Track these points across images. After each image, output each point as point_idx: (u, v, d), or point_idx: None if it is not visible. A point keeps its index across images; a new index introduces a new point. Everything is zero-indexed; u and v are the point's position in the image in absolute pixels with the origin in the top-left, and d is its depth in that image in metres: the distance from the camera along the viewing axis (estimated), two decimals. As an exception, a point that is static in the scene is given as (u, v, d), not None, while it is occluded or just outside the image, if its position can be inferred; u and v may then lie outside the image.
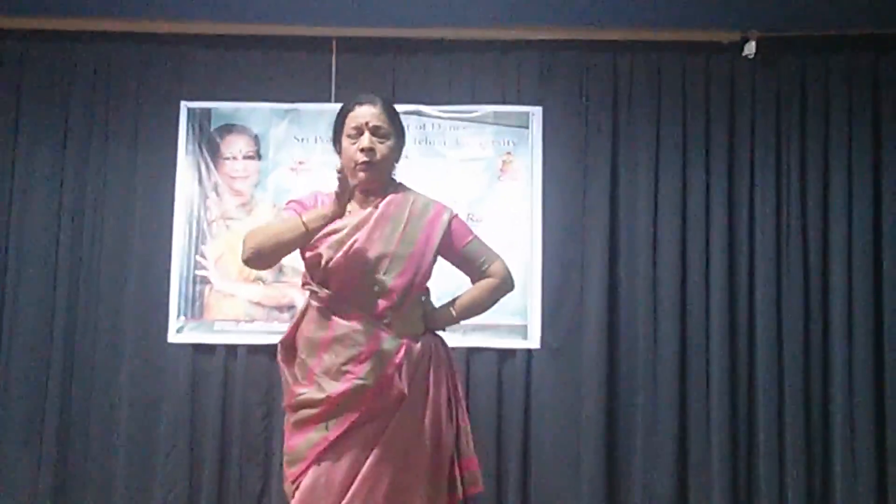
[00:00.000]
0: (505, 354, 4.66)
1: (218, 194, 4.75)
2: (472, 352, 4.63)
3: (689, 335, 4.63)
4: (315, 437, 2.64)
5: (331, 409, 2.63)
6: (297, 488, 2.67)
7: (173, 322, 4.66)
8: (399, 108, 4.57)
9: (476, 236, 2.95)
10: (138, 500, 4.57)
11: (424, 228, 2.80)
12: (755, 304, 4.63)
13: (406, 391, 2.67)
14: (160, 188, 4.73)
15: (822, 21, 4.62)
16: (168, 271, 4.67)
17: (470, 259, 2.92)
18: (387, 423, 2.66)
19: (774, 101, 4.74)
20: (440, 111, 4.78)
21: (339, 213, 2.63)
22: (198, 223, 4.73)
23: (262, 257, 2.70)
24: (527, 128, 4.76)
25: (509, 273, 2.99)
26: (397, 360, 2.67)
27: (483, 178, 4.75)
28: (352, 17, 4.65)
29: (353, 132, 2.78)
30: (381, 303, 2.69)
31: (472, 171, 4.76)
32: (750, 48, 4.67)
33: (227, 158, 4.77)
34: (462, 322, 4.30)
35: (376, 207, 2.79)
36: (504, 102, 4.79)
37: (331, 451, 2.64)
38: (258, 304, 4.66)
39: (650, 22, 4.68)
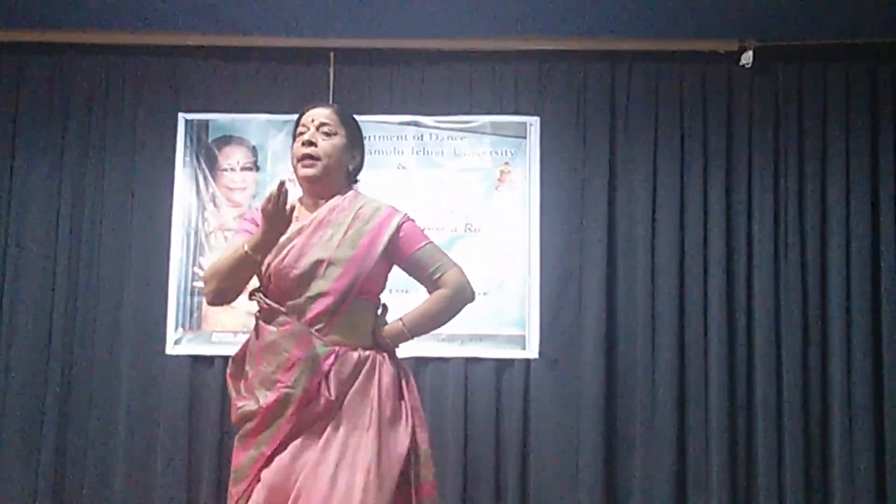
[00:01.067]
0: (503, 364, 4.66)
1: (216, 206, 4.75)
2: (469, 362, 4.64)
3: (687, 345, 4.63)
4: (254, 454, 2.51)
5: (264, 421, 2.49)
6: None
7: (171, 334, 4.66)
8: (397, 118, 4.77)
9: (431, 242, 2.72)
10: (137, 512, 4.57)
11: (370, 232, 2.62)
12: (753, 314, 4.63)
13: (333, 398, 2.49)
14: (158, 200, 4.74)
15: (819, 30, 4.62)
16: (166, 283, 4.68)
17: (421, 266, 2.68)
18: (319, 433, 2.48)
19: (772, 110, 4.75)
20: (438, 121, 4.78)
21: (270, 231, 2.46)
22: (196, 235, 4.73)
23: (224, 294, 2.59)
24: (524, 138, 4.76)
25: (467, 283, 2.70)
26: (325, 367, 2.50)
27: (481, 188, 4.75)
28: (349, 29, 4.66)
29: (302, 130, 2.69)
30: (315, 307, 2.53)
31: (469, 181, 4.76)
32: (747, 57, 4.68)
33: (225, 170, 4.78)
34: (456, 332, 4.52)
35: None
36: (501, 113, 4.79)
37: (268, 468, 2.48)
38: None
39: (647, 32, 4.68)
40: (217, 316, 4.66)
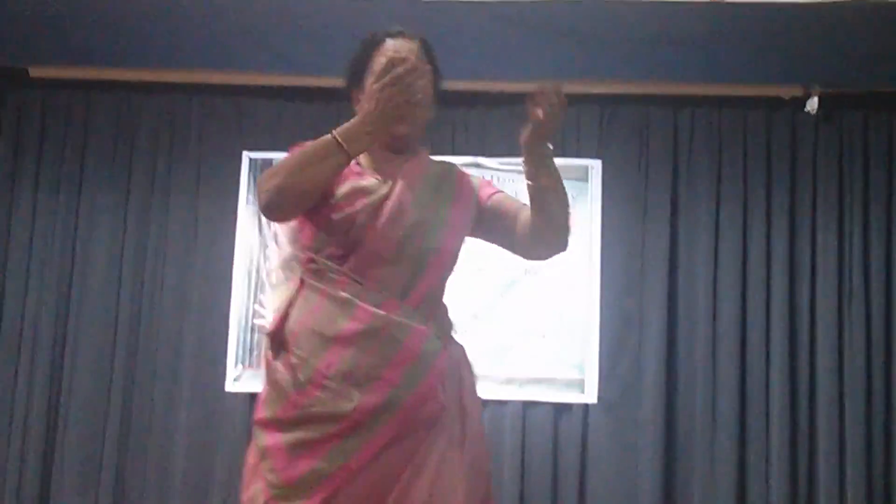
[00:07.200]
0: (561, 409, 4.64)
1: (277, 244, 4.77)
2: (527, 405, 4.62)
3: (748, 391, 4.58)
4: (326, 467, 1.99)
5: (354, 427, 2.00)
6: None
7: (231, 371, 4.68)
8: (458, 160, 4.69)
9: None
10: (194, 549, 4.59)
11: (455, 187, 2.20)
12: (816, 363, 4.57)
13: (446, 405, 2.07)
14: (221, 237, 4.77)
15: (885, 77, 4.57)
16: (227, 320, 4.70)
17: (506, 201, 2.29)
18: (415, 445, 2.04)
19: (837, 157, 4.69)
20: (499, 163, 4.77)
21: (373, 121, 2.05)
22: (257, 272, 4.75)
23: (286, 193, 2.03)
24: (586, 181, 4.75)
25: None
26: (440, 366, 2.05)
27: (541, 230, 4.73)
28: (413, 70, 4.67)
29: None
30: (420, 286, 2.08)
31: (530, 223, 4.74)
32: (812, 104, 4.62)
33: (287, 208, 4.78)
34: (514, 375, 4.55)
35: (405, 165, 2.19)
36: (563, 155, 4.75)
37: (349, 485, 2.00)
38: (315, 353, 4.65)
39: (710, 77, 4.66)
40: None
